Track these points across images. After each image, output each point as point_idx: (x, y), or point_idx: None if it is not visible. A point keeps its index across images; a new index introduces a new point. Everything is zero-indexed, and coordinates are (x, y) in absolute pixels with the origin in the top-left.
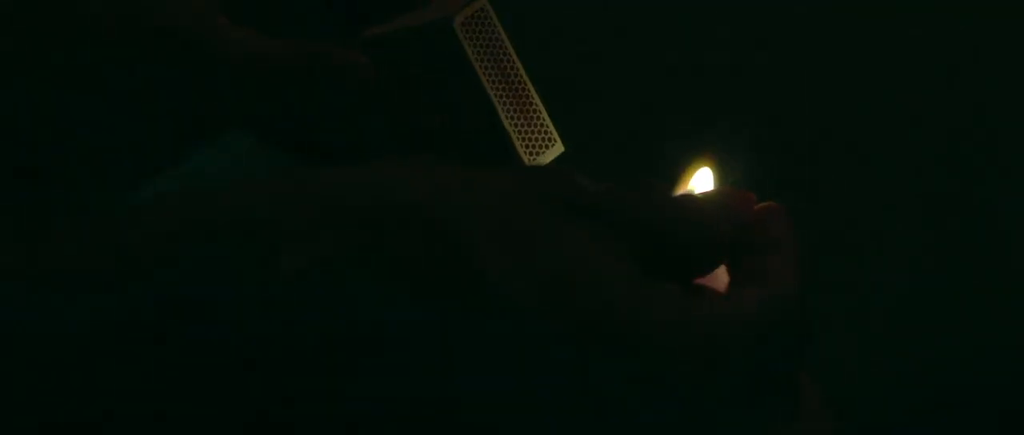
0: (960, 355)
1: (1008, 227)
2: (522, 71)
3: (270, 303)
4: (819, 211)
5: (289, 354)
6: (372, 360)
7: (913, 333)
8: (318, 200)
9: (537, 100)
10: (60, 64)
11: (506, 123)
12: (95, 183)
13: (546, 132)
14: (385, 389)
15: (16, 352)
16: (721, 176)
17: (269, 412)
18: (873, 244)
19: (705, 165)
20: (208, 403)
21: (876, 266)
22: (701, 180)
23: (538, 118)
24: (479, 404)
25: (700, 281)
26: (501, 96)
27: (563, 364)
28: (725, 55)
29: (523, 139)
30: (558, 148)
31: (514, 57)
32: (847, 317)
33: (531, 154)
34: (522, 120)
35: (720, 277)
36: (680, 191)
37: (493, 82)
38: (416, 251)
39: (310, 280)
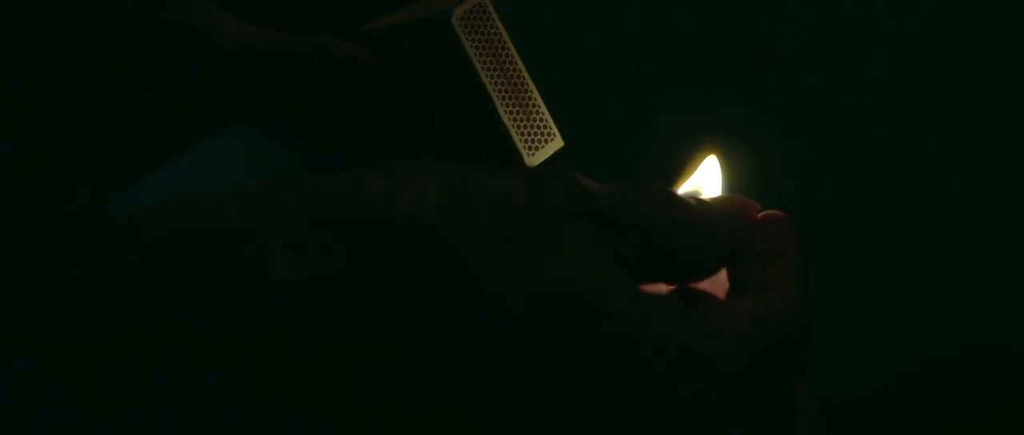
0: (960, 355)
1: (1008, 227)
2: (521, 66)
3: (264, 312)
4: (820, 212)
5: (281, 364)
6: (364, 369)
7: (913, 333)
8: (314, 210)
9: (536, 95)
10: (59, 59)
11: (505, 118)
12: (93, 181)
13: (545, 127)
14: (378, 398)
15: (16, 353)
16: (726, 164)
17: (262, 418)
18: (873, 244)
19: (711, 153)
20: (205, 408)
21: (876, 266)
22: (708, 169)
23: (537, 113)
24: (473, 414)
25: (700, 286)
26: (500, 91)
27: (558, 374)
28: (725, 54)
29: (522, 134)
30: (557, 143)
31: (513, 52)
32: (847, 318)
33: (530, 149)
34: (521, 115)
35: (720, 283)
36: (685, 183)
37: (492, 77)
38: (410, 262)
39: (304, 290)
